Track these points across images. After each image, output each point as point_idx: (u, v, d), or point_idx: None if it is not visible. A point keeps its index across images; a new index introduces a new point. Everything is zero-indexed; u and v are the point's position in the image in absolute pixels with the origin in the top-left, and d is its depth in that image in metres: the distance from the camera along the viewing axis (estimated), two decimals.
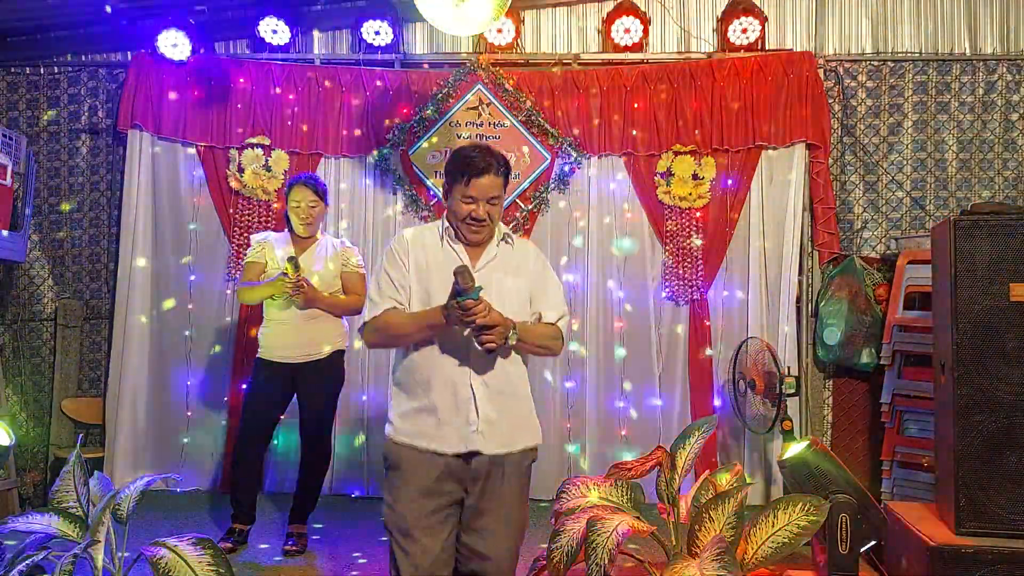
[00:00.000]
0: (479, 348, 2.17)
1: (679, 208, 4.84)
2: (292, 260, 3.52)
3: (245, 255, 3.87)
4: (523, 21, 5.05)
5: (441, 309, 2.16)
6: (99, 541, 2.40)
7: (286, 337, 3.68)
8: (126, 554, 2.58)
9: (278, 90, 4.93)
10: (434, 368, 2.26)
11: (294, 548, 3.70)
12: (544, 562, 2.38)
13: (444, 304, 2.15)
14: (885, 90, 4.96)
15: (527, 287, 2.36)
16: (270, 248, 3.76)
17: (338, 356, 3.79)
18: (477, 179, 2.24)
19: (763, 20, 4.84)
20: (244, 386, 4.15)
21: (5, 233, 4.44)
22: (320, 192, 3.76)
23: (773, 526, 2.59)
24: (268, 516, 4.14)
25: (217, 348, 4.95)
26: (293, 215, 3.73)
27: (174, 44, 4.73)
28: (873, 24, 5.01)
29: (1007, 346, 2.97)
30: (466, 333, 2.19)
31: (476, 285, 2.09)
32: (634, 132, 4.87)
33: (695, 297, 4.83)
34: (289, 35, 4.95)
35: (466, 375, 2.24)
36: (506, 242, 2.39)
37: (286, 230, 3.83)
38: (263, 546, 3.78)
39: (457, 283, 2.09)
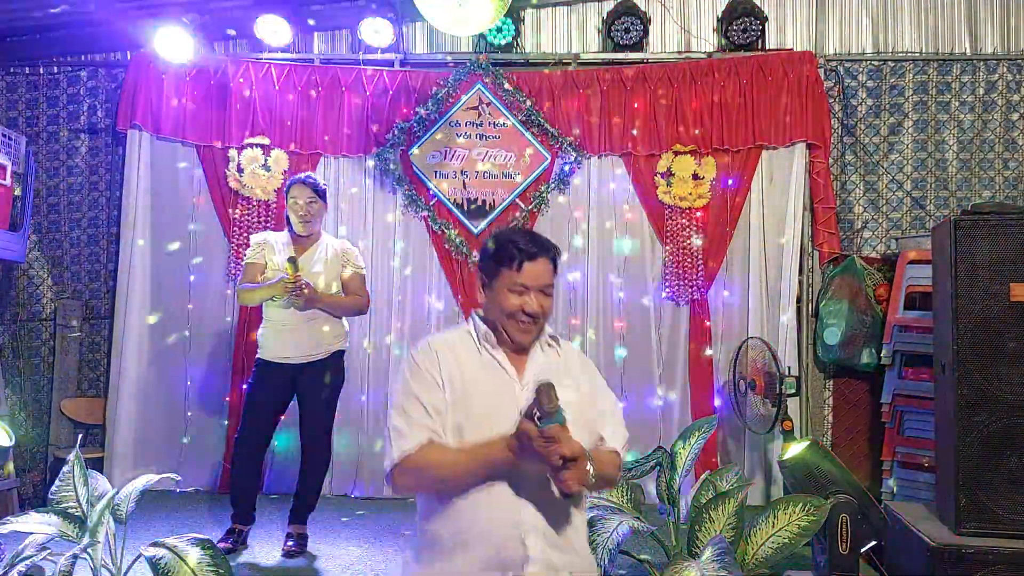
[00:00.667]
0: (558, 489, 1.68)
1: (679, 208, 4.84)
2: (291, 261, 3.51)
3: (245, 255, 3.87)
4: (523, 21, 5.05)
5: (511, 439, 1.66)
6: (99, 541, 2.40)
7: (286, 338, 3.67)
8: (126, 554, 2.58)
9: (278, 90, 4.92)
10: (475, 519, 1.73)
11: (294, 548, 3.69)
12: None
13: (514, 433, 1.65)
14: (885, 90, 4.96)
15: (579, 402, 1.82)
16: (269, 248, 3.75)
17: (338, 356, 3.78)
18: (531, 263, 1.83)
19: (763, 20, 4.84)
20: (244, 386, 4.15)
21: (5, 233, 4.43)
22: (319, 190, 3.75)
23: (773, 526, 2.60)
24: (268, 516, 4.14)
25: (217, 348, 4.95)
26: (292, 213, 3.73)
27: (174, 44, 4.73)
28: (873, 24, 5.00)
29: (1007, 346, 2.98)
30: (550, 471, 1.66)
31: (560, 407, 1.63)
32: (634, 132, 4.86)
33: (695, 297, 4.83)
34: (289, 35, 4.94)
35: (517, 524, 1.72)
36: (550, 345, 1.93)
37: (286, 230, 3.83)
38: (263, 546, 3.77)
39: (540, 405, 1.61)
